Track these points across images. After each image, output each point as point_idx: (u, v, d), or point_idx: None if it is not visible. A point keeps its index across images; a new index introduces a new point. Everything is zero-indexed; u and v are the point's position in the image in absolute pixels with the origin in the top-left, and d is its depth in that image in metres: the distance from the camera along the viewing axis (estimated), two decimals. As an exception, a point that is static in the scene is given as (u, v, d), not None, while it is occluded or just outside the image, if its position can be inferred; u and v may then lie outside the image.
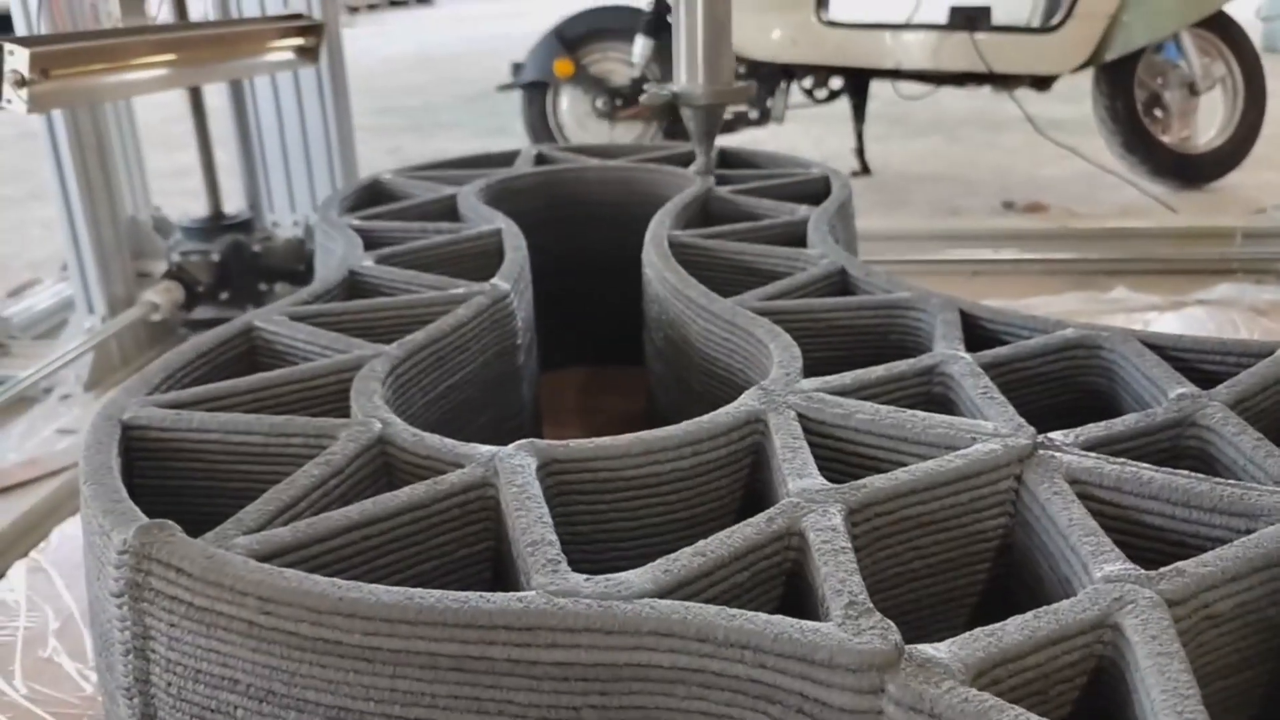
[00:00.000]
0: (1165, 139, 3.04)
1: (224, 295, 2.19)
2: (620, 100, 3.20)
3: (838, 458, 0.74)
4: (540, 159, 1.64)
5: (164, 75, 1.73)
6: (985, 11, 2.99)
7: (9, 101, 1.47)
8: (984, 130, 4.06)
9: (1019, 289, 2.17)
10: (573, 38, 3.22)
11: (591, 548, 0.73)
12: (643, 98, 1.45)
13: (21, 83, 1.45)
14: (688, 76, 1.40)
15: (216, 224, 2.21)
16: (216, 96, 2.35)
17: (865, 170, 3.45)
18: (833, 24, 3.06)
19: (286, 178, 2.54)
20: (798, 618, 0.54)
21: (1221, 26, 3.00)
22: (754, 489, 0.77)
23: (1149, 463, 0.69)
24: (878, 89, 3.34)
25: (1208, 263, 2.32)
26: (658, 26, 3.15)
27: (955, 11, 3.00)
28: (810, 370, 0.84)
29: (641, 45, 3.16)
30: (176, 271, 2.14)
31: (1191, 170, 3.05)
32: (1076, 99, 3.43)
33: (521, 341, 1.10)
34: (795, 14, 3.06)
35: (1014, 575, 0.69)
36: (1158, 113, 3.07)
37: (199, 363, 0.91)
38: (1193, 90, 3.01)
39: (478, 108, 5.06)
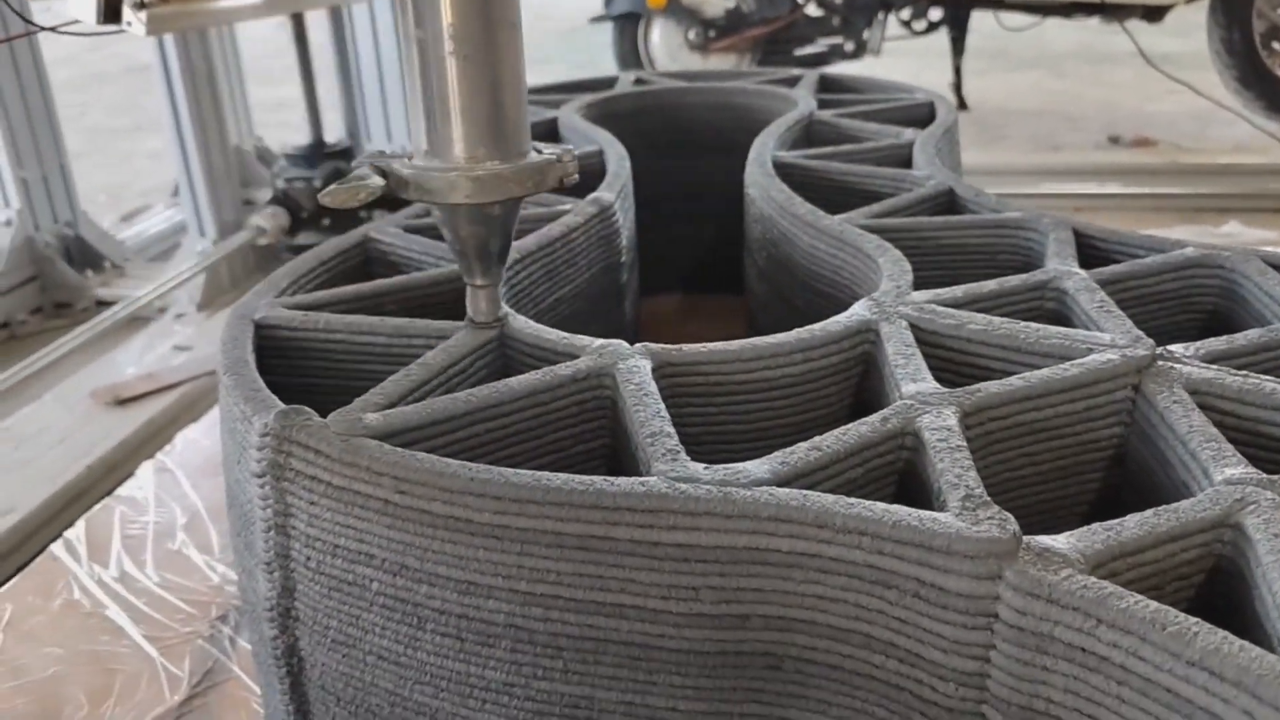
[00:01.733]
0: (1284, 73, 2.90)
1: (325, 221, 2.25)
2: (713, 32, 3.17)
3: (949, 367, 0.74)
4: (639, 84, 1.64)
5: (271, 0, 1.76)
6: (1097, -63, 2.87)
7: (129, 24, 1.52)
8: (1089, 64, 3.91)
9: (1125, 223, 2.10)
10: (666, -32, 3.18)
11: (701, 449, 0.74)
12: (322, 195, 0.71)
13: (140, 5, 1.49)
14: (430, 144, 0.71)
15: (319, 151, 2.27)
16: (316, 32, 2.39)
17: (962, 105, 3.36)
18: (934, -49, 2.97)
19: (383, 108, 2.58)
20: (911, 513, 0.54)
21: (1353, -49, 2.83)
22: (862, 398, 0.77)
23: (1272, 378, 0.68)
24: (978, 21, 3.24)
25: (1328, 200, 2.23)
26: (754, -44, 3.10)
27: (1065, -63, 2.88)
28: (918, 289, 0.84)
29: (736, -25, 3.12)
30: (282, 197, 2.20)
31: (1312, 106, 2.90)
32: (1187, 32, 3.28)
33: (626, 259, 1.12)
34: (895, -59, 2.97)
35: (1128, 484, 0.69)
36: (1276, 45, 2.92)
37: (320, 270, 0.95)
38: (1318, 20, 2.85)
39: (568, 42, 5.05)
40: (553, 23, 5.74)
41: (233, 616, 0.97)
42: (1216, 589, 0.55)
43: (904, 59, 3.87)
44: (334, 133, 2.44)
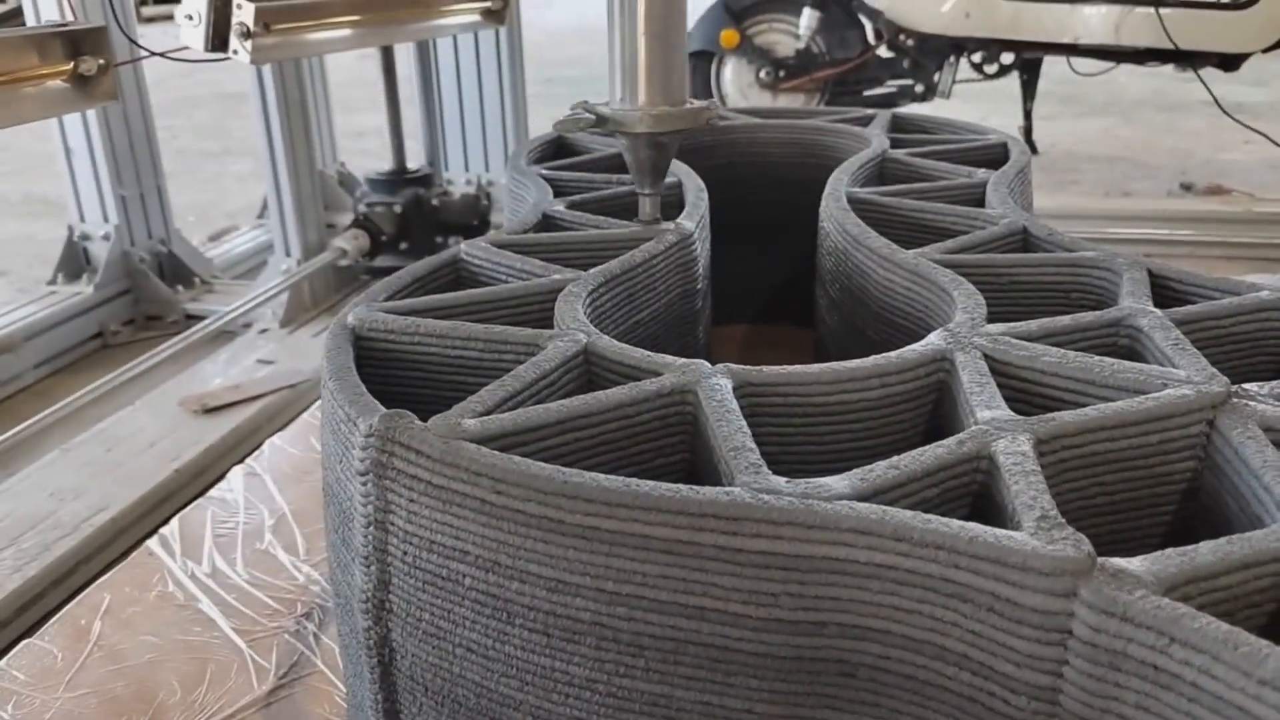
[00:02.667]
0: (1367, 124, 2.86)
1: (404, 245, 2.33)
2: (783, 71, 3.21)
3: (1023, 398, 0.76)
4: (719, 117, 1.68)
5: (364, 33, 1.85)
6: (1173, -15, 2.87)
7: (235, 52, 1.61)
8: (1161, 112, 3.88)
9: (1198, 270, 2.09)
10: (739, 9, 3.25)
11: (778, 468, 0.76)
12: (556, 123, 1.08)
13: (247, 34, 1.58)
14: (623, 94, 1.08)
15: (400, 177, 2.35)
16: (402, 63, 2.49)
17: (1032, 149, 3.36)
18: (1008, -4, 2.99)
19: (462, 138, 2.66)
20: (985, 534, 0.56)
21: None
22: (935, 426, 0.80)
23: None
24: (1049, 66, 3.25)
25: None
26: (826, -2, 3.15)
27: (1140, -15, 2.88)
28: (991, 323, 0.86)
29: (808, 17, 3.17)
30: (363, 220, 2.28)
31: (1395, 158, 2.86)
32: (1265, 81, 3.26)
33: (701, 287, 1.16)
34: (969, -14, 3.00)
35: (1200, 519, 0.70)
36: (1360, 96, 2.88)
37: (414, 286, 1.00)
38: (1402, 72, 2.82)
39: (637, 79, 5.13)
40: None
41: (317, 614, 1.02)
42: (1288, 618, 0.56)
43: (974, 102, 3.89)
44: (414, 160, 2.53)
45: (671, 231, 1.08)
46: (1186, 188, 2.80)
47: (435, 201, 2.37)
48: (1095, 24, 2.92)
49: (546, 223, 1.19)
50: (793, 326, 1.66)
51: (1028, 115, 3.29)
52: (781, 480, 0.62)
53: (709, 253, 1.25)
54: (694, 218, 1.14)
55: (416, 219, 2.34)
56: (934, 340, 0.80)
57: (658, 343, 1.07)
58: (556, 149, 1.60)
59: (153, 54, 1.61)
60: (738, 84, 3.31)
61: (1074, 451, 0.67)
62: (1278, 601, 0.56)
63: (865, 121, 1.60)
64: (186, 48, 1.57)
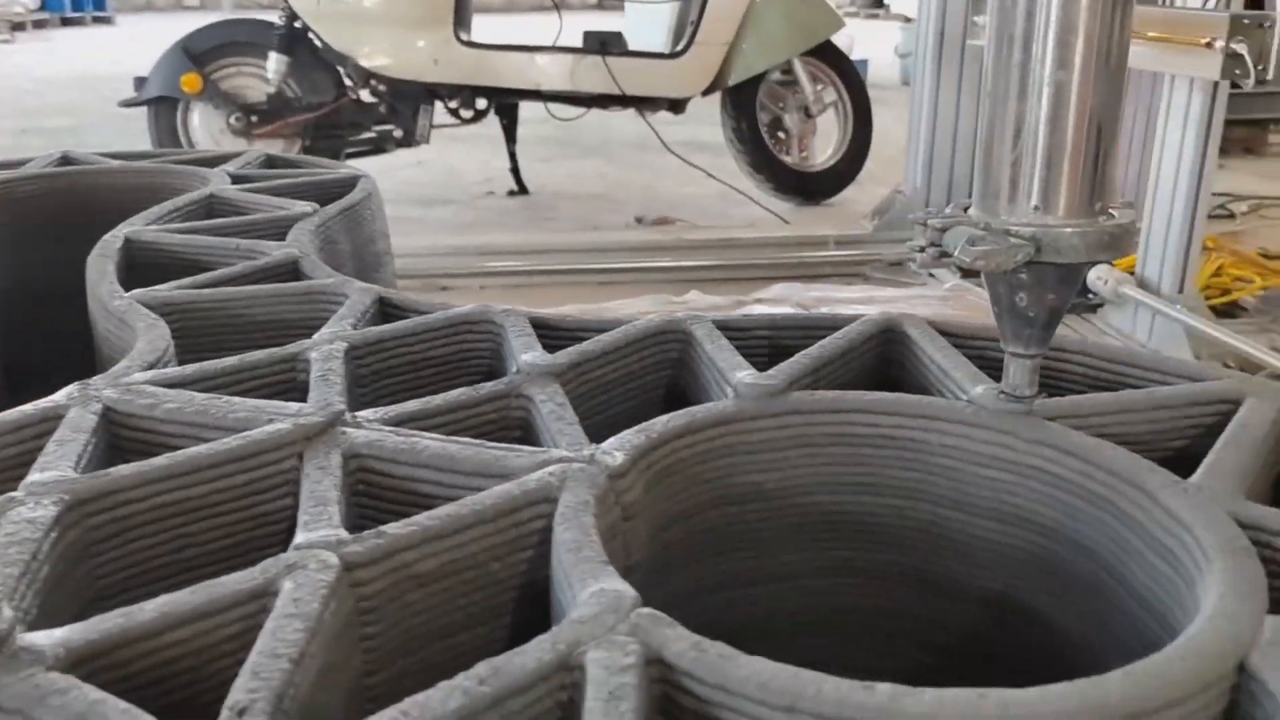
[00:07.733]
0: (787, 159, 3.26)
1: None
2: (255, 117, 3.06)
3: (142, 448, 0.69)
4: (66, 162, 1.51)
5: None
6: (617, 36, 3.10)
7: None
8: (642, 152, 4.21)
9: (626, 295, 2.23)
10: (201, 51, 3.06)
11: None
12: (979, 259, 0.62)
13: None
14: (1010, 197, 0.64)
15: None
16: None
17: (522, 189, 3.48)
18: (471, 44, 3.07)
19: None
20: None
21: (831, 56, 3.26)
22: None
23: (480, 435, 0.69)
24: (551, 110, 3.38)
25: (809, 267, 2.50)
26: (292, 42, 3.05)
27: (589, 36, 3.09)
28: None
29: (276, 61, 3.05)
30: None
31: (811, 187, 3.28)
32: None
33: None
34: (434, 33, 3.04)
35: (304, 557, 0.66)
36: (781, 134, 3.28)
37: None
38: (808, 113, 3.25)
39: (134, 126, 4.71)
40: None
41: None
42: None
43: (475, 145, 3.98)
44: None
45: None
46: (639, 220, 3.02)
47: None
48: (553, 72, 3.07)
49: None
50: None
51: (513, 156, 3.39)
52: None
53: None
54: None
55: None
56: (59, 395, 0.71)
57: None
58: None
59: None
60: (208, 130, 3.11)
61: (135, 507, 0.61)
62: (237, 655, 0.51)
63: (225, 160, 1.50)
64: None
